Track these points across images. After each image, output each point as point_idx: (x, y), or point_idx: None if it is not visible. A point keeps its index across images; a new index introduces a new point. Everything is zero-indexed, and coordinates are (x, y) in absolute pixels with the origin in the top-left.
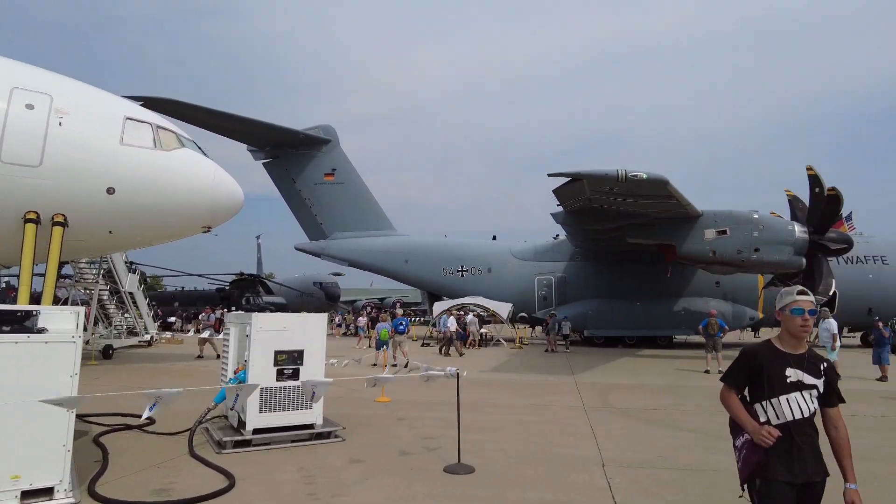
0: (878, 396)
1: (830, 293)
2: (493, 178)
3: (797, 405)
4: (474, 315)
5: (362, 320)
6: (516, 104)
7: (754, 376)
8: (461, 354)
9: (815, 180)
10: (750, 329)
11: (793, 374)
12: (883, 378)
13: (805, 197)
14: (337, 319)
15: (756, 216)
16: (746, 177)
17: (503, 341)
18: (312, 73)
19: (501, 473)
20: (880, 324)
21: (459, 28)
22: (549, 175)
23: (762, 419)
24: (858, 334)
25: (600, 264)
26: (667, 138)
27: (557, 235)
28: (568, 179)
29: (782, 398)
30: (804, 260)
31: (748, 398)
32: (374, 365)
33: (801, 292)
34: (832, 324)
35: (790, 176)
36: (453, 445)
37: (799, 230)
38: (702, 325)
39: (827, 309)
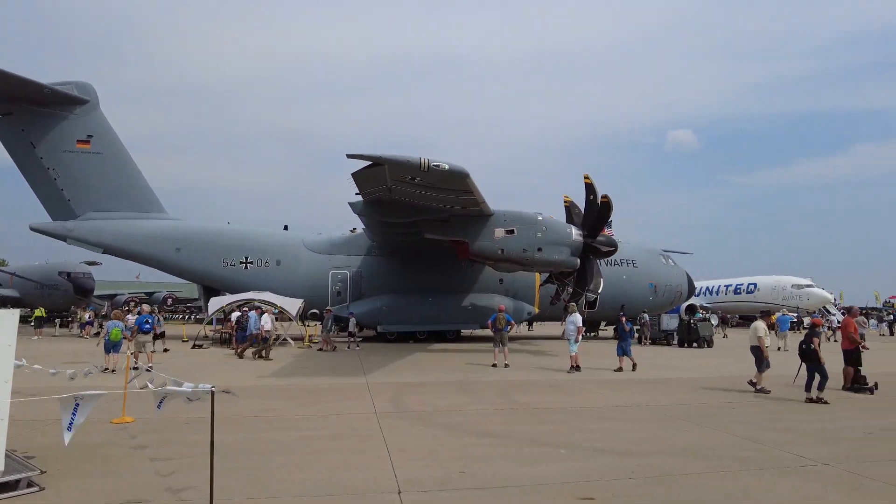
0: (697, 387)
1: (600, 291)
2: (292, 168)
3: None
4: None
5: (131, 318)
6: (322, 97)
7: None
8: (269, 358)
9: (590, 188)
10: (526, 324)
11: None
12: (620, 369)
13: (581, 203)
14: (87, 316)
15: (540, 218)
16: (532, 185)
17: (290, 340)
18: (82, 25)
19: None
20: (623, 318)
21: (261, 10)
22: (349, 156)
23: None
24: (612, 328)
25: (395, 259)
26: (464, 144)
27: (355, 228)
28: (369, 163)
29: None
30: (579, 260)
31: None
32: (109, 370)
33: None
34: (577, 318)
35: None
36: (209, 482)
37: (576, 233)
38: (491, 320)
39: (574, 304)
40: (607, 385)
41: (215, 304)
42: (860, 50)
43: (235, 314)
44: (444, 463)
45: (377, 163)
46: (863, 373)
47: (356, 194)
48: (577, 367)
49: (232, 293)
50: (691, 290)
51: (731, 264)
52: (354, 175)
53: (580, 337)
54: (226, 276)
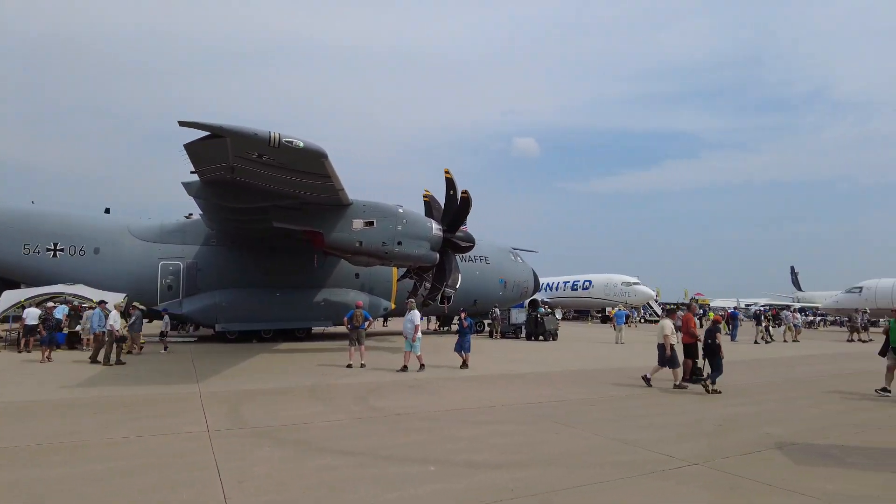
0: (553, 382)
1: (458, 286)
2: (116, 147)
3: None
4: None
5: None
6: (147, 74)
7: None
8: (122, 362)
9: (450, 183)
10: (382, 319)
11: None
12: (465, 366)
13: (441, 198)
14: None
15: (401, 210)
16: (388, 182)
17: None
18: None
19: None
20: (463, 315)
21: None
22: (181, 124)
23: None
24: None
25: (238, 250)
26: (322, 135)
27: (191, 214)
28: (207, 134)
29: None
30: (438, 255)
31: None
32: None
33: None
34: (416, 315)
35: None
36: None
37: (435, 227)
38: (347, 317)
39: (412, 300)
40: (468, 383)
41: (10, 298)
42: (673, 79)
43: (32, 310)
44: (293, 495)
45: (216, 134)
46: (699, 364)
47: (191, 172)
48: (420, 367)
49: (35, 285)
50: (537, 286)
51: (568, 263)
52: (188, 147)
53: (419, 335)
54: (28, 264)
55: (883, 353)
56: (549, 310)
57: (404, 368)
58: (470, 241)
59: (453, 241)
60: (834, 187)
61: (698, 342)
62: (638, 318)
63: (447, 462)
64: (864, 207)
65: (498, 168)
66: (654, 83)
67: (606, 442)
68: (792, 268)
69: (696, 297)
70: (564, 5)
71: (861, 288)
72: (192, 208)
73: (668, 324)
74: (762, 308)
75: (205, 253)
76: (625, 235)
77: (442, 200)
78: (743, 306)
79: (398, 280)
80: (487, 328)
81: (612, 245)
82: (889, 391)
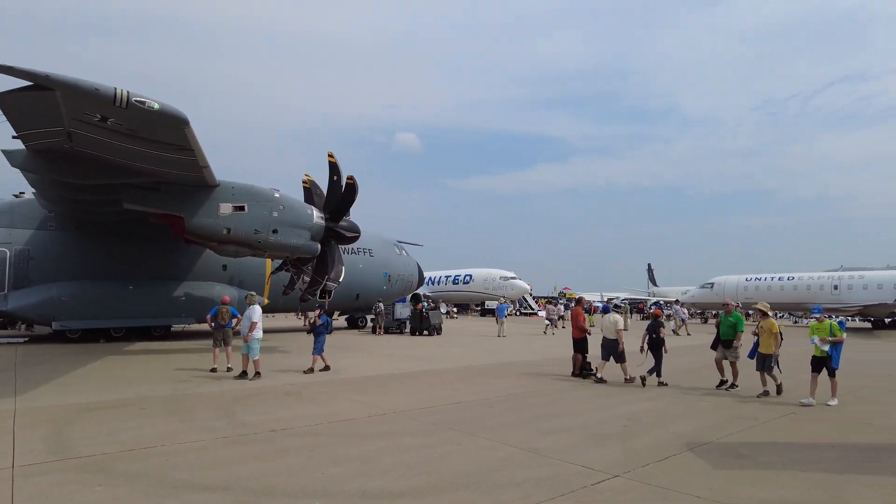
0: (446, 381)
1: (341, 280)
2: None
3: None
4: None
5: None
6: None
7: None
8: None
9: (334, 168)
10: None
11: None
12: (311, 370)
13: (323, 185)
14: None
15: (277, 195)
16: (262, 169)
17: None
18: None
19: None
20: (317, 312)
21: None
22: None
23: None
24: (344, 317)
25: (83, 235)
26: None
27: (22, 192)
28: (29, 84)
29: None
30: (319, 246)
31: None
32: None
33: None
34: (255, 311)
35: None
36: None
37: (317, 215)
38: (211, 314)
39: (254, 294)
40: (353, 387)
41: None
42: (548, 86)
43: None
44: None
45: (42, 85)
46: (588, 359)
47: (14, 137)
48: (244, 373)
49: None
50: (421, 280)
51: (449, 257)
52: (2, 101)
53: (255, 334)
54: None
55: (714, 346)
56: (433, 304)
57: (245, 374)
58: (355, 232)
59: (337, 231)
60: (683, 193)
61: (588, 336)
62: (514, 311)
63: (336, 493)
64: (706, 212)
65: (380, 161)
66: (531, 89)
67: (516, 453)
68: (649, 265)
69: (565, 290)
70: (452, 5)
71: (713, 283)
72: (23, 185)
73: (619, 318)
74: (659, 303)
75: (40, 238)
76: (501, 231)
77: (325, 187)
78: (606, 300)
79: (273, 273)
80: (371, 323)
81: (490, 240)
82: (727, 381)
